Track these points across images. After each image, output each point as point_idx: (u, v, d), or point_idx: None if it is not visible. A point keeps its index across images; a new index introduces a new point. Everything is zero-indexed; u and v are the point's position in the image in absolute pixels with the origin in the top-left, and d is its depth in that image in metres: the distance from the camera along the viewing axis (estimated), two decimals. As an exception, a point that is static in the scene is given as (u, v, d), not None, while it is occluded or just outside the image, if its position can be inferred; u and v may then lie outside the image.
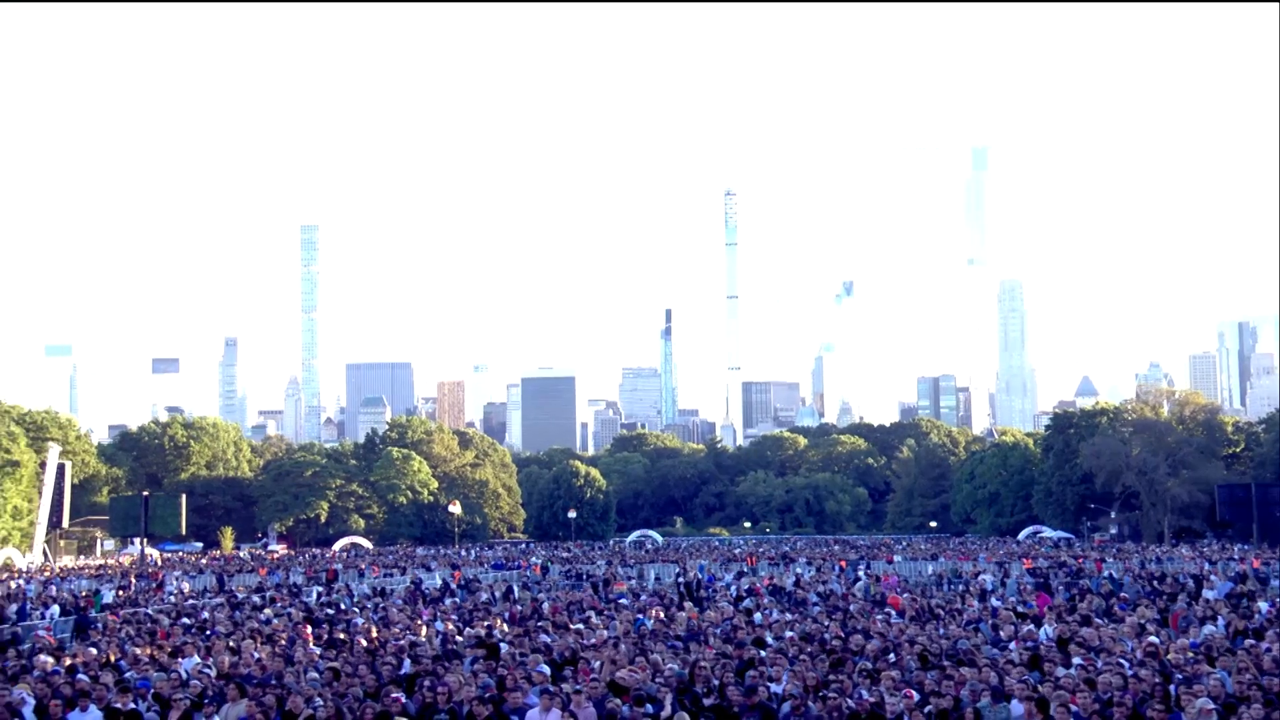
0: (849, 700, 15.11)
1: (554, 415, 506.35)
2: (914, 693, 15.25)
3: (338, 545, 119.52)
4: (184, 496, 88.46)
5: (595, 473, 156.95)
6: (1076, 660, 18.66)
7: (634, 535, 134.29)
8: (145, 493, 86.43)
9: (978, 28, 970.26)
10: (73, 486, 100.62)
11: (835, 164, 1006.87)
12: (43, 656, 21.85)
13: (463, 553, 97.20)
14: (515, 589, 46.81)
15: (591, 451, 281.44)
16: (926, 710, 14.61)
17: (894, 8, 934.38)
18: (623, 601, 34.82)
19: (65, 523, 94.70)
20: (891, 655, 20.40)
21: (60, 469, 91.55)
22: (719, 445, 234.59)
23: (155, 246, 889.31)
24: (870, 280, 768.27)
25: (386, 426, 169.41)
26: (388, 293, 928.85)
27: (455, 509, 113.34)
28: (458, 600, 37.75)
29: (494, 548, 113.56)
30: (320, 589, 49.83)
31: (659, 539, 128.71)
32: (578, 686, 16.54)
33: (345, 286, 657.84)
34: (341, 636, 25.13)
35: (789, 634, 24.12)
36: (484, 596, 40.60)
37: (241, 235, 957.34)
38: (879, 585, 42.79)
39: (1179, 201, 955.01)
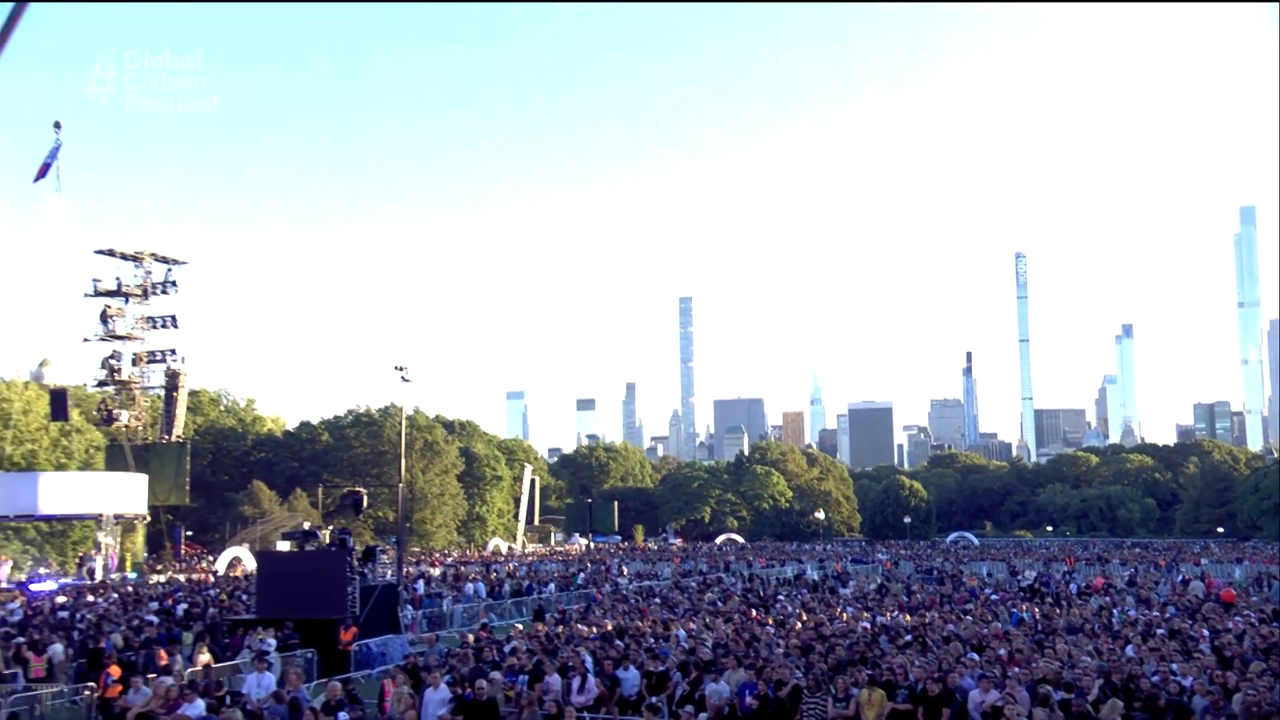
0: (1268, 699, 13.42)
1: (875, 438, 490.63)
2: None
3: (719, 540, 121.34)
4: (615, 503, 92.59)
5: (917, 485, 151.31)
6: None
7: (952, 536, 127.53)
8: (589, 500, 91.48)
9: (1243, 98, 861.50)
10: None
11: (1114, 222, 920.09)
12: (579, 625, 23.31)
13: (817, 548, 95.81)
14: (880, 581, 45.39)
15: (908, 468, 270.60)
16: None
17: (1163, 78, 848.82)
18: (992, 596, 32.64)
19: (536, 520, 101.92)
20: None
21: (532, 482, 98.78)
22: (1020, 462, 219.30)
23: (574, 312, 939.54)
24: (1147, 323, 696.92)
25: (750, 449, 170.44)
26: (743, 343, 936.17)
27: (820, 515, 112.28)
28: (850, 592, 36.86)
29: (836, 544, 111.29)
30: (720, 575, 50.43)
31: (974, 539, 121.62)
32: (1010, 673, 15.69)
33: (711, 341, 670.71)
34: (781, 619, 25.05)
35: (1159, 631, 21.84)
36: (862, 588, 39.58)
37: (633, 306, 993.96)
38: (1206, 587, 38.06)
39: None
